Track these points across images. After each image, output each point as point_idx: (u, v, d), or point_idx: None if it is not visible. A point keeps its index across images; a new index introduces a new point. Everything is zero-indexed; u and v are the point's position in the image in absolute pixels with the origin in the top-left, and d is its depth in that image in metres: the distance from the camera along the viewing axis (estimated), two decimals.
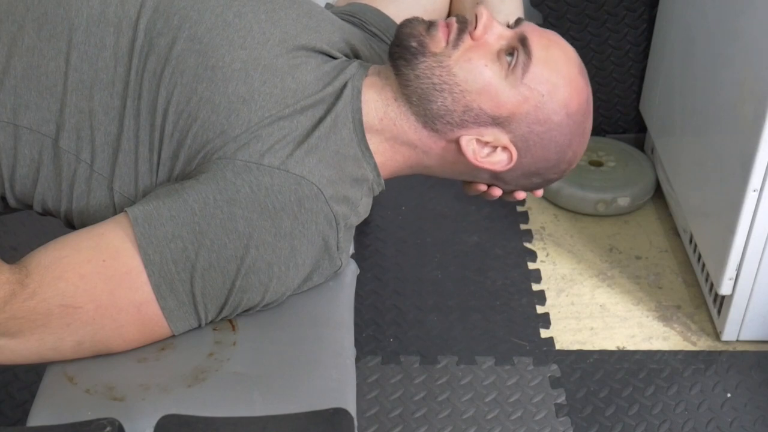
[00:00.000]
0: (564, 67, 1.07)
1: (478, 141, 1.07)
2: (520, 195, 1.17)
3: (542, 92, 1.05)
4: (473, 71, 1.04)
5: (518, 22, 1.09)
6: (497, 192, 1.15)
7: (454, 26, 1.05)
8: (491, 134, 1.07)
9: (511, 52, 1.05)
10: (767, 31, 1.45)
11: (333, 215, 1.03)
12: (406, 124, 1.08)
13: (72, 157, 1.01)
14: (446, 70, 1.04)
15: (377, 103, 1.08)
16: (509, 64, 1.04)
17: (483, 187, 1.15)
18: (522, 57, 1.04)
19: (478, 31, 1.05)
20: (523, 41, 1.05)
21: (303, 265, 1.03)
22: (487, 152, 1.08)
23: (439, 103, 1.05)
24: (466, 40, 1.05)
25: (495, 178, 1.12)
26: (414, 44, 1.05)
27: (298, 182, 0.99)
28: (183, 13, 1.03)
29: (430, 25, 1.06)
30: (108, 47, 1.01)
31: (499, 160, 1.08)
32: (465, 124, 1.06)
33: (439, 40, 1.05)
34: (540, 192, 1.18)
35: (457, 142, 1.07)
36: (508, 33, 1.06)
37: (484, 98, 1.04)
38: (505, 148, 1.07)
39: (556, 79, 1.06)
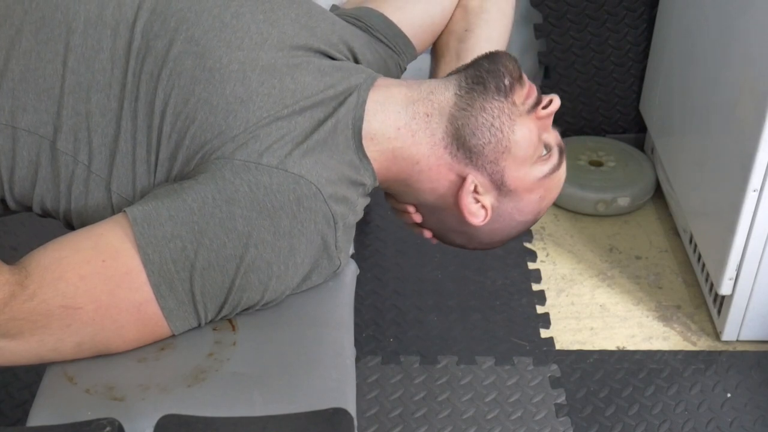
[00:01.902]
0: (558, 190, 1.16)
1: (476, 187, 1.08)
2: (427, 234, 1.19)
3: (541, 194, 1.12)
4: (526, 140, 1.07)
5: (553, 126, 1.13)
6: (428, 234, 1.19)
7: (535, 93, 1.08)
8: (487, 191, 1.09)
9: (547, 147, 1.10)
10: (767, 31, 1.45)
11: (331, 214, 1.03)
12: (426, 139, 1.08)
13: (70, 158, 1.01)
14: (510, 122, 1.06)
15: (399, 114, 1.08)
16: (541, 156, 1.09)
17: (411, 209, 1.15)
18: (554, 161, 1.11)
19: (545, 113, 1.08)
20: (561, 153, 1.12)
21: (302, 264, 1.03)
22: (471, 201, 1.09)
23: (480, 142, 1.06)
24: (534, 111, 1.08)
25: (438, 216, 1.14)
26: (506, 83, 1.06)
27: (297, 181, 1.00)
28: (180, 15, 1.03)
29: (521, 75, 1.08)
30: (105, 50, 1.02)
31: (476, 213, 1.10)
32: (481, 170, 1.08)
33: (521, 95, 1.07)
34: (429, 234, 1.20)
35: (462, 177, 1.08)
36: (553, 131, 1.12)
37: (513, 165, 1.07)
38: (485, 207, 1.10)
39: (552, 192, 1.14)
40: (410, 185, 1.12)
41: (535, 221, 1.16)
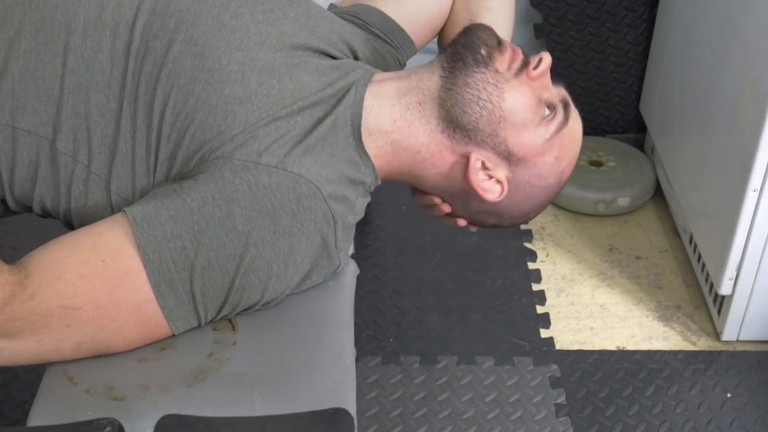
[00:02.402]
0: (576, 143, 1.12)
1: (483, 164, 1.07)
2: (461, 222, 1.18)
3: (556, 154, 1.09)
4: (520, 105, 1.05)
5: (554, 83, 1.11)
6: (462, 222, 1.17)
7: (520, 56, 1.06)
8: (496, 165, 1.08)
9: (550, 106, 1.08)
10: (767, 31, 1.45)
11: (331, 213, 1.03)
12: (422, 127, 1.07)
13: (69, 158, 1.01)
14: (498, 91, 1.04)
15: (393, 107, 1.08)
16: (544, 117, 1.07)
17: (437, 200, 1.15)
18: (560, 118, 1.08)
19: (536, 73, 1.06)
20: (566, 106, 1.09)
21: (302, 263, 1.03)
22: (483, 178, 1.08)
23: (473, 117, 1.05)
24: (524, 75, 1.06)
25: (461, 200, 1.12)
26: (483, 52, 1.04)
27: (296, 181, 1.00)
28: (179, 15, 1.03)
29: (500, 42, 1.06)
30: (104, 50, 1.02)
31: (491, 189, 1.09)
32: (483, 145, 1.06)
33: (503, 61, 1.05)
34: (463, 222, 1.18)
35: (466, 156, 1.07)
36: (553, 88, 1.09)
37: (513, 133, 1.06)
38: (499, 181, 1.08)
39: (569, 149, 1.10)
40: (416, 175, 1.11)
41: (560, 183, 1.13)
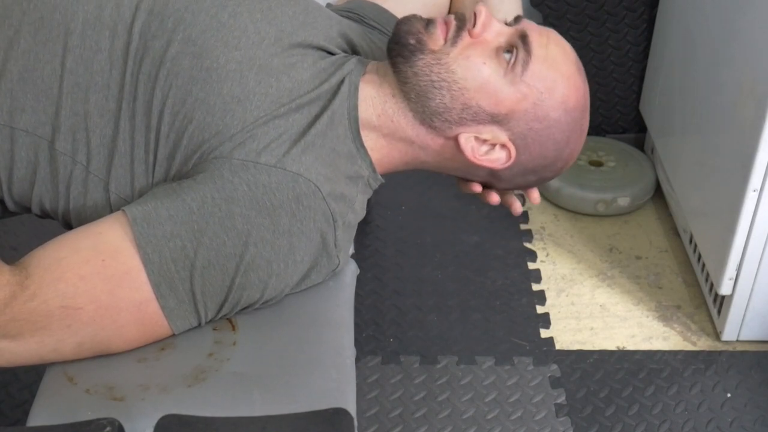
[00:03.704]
0: (563, 64, 1.06)
1: (477, 138, 1.06)
2: (517, 208, 1.17)
3: (541, 89, 1.04)
4: (472, 69, 1.03)
5: (517, 19, 1.08)
6: (495, 198, 1.15)
7: (453, 24, 1.05)
8: (490, 132, 1.06)
9: (509, 49, 1.04)
10: (767, 31, 1.45)
11: (330, 212, 1.03)
12: (404, 121, 1.07)
13: (68, 159, 1.01)
14: (444, 67, 1.04)
15: (375, 100, 1.08)
16: (508, 62, 1.04)
17: (478, 188, 1.15)
18: (522, 54, 1.04)
19: (477, 29, 1.04)
20: (523, 38, 1.04)
21: (301, 262, 1.03)
22: (486, 150, 1.07)
23: (437, 101, 1.05)
24: (465, 38, 1.04)
25: (491, 175, 1.12)
26: (412, 41, 1.04)
27: (296, 180, 1.00)
28: (178, 15, 1.03)
29: (428, 22, 1.06)
30: (103, 50, 1.02)
31: (497, 158, 1.07)
32: (463, 122, 1.06)
33: (437, 38, 1.04)
34: (537, 198, 1.17)
35: (455, 139, 1.07)
36: (507, 30, 1.06)
37: (482, 96, 1.04)
38: (503, 145, 1.07)
39: (554, 77, 1.05)
40: (425, 162, 1.11)
41: (569, 108, 1.06)
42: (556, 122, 1.06)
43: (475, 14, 1.04)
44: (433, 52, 1.04)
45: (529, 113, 1.05)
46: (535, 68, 1.04)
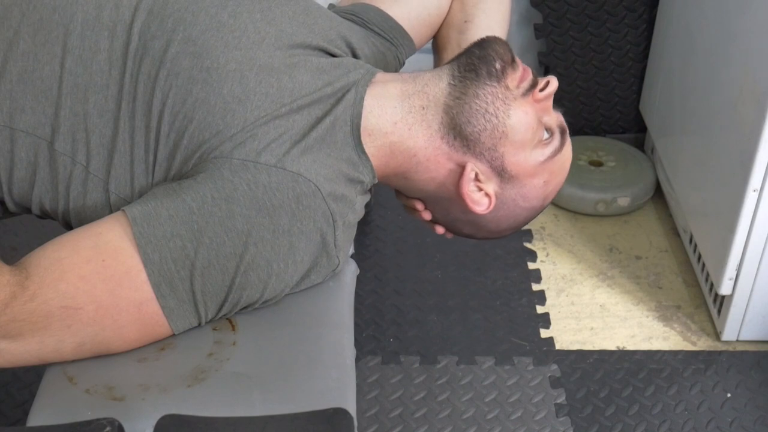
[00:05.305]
0: (563, 173, 1.14)
1: (476, 176, 1.08)
2: (440, 230, 1.20)
3: (546, 179, 1.11)
4: (523, 125, 1.06)
5: (555, 109, 1.13)
6: (441, 230, 1.19)
7: (530, 75, 1.07)
8: (488, 178, 1.09)
9: (548, 130, 1.09)
10: (767, 31, 1.45)
11: (330, 212, 1.03)
12: (422, 132, 1.08)
13: (68, 159, 1.01)
14: (505, 107, 1.05)
15: (395, 109, 1.08)
16: (541, 140, 1.09)
17: (420, 206, 1.16)
18: (556, 143, 1.09)
19: (543, 95, 1.07)
20: (563, 133, 1.11)
21: (301, 262, 1.03)
22: (474, 189, 1.09)
23: (476, 129, 1.06)
24: (530, 95, 1.07)
25: (444, 208, 1.14)
26: (498, 67, 1.05)
27: (296, 179, 1.00)
28: (177, 15, 1.03)
29: (514, 59, 1.07)
30: (102, 51, 1.02)
31: (479, 201, 1.10)
32: (480, 157, 1.07)
33: (514, 78, 1.06)
34: (441, 230, 1.20)
35: (461, 165, 1.08)
36: (554, 114, 1.11)
37: (511, 150, 1.07)
38: (488, 195, 1.10)
39: (555, 177, 1.12)
40: (409, 178, 1.12)
41: (542, 207, 1.15)
42: (528, 209, 1.13)
43: (548, 81, 1.08)
44: (507, 88, 1.06)
45: (525, 188, 1.10)
46: (556, 160, 1.10)
